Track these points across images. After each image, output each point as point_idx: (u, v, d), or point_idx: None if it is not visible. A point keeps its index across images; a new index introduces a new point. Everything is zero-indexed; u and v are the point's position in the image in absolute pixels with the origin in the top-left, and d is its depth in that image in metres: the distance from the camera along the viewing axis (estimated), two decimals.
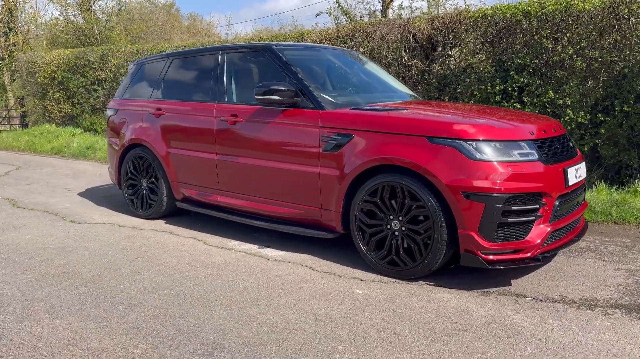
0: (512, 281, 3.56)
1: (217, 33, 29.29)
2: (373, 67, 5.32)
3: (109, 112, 5.99)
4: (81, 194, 6.96)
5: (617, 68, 6.06)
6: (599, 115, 6.19)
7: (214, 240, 4.68)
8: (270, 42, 4.84)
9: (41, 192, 7.12)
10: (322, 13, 17.41)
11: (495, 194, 3.26)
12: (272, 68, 4.51)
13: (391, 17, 11.30)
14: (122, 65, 12.94)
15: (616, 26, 6.06)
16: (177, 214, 5.54)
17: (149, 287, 3.58)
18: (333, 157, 3.89)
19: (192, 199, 5.10)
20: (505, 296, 3.32)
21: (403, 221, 3.58)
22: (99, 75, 13.53)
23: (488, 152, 3.33)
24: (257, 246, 4.49)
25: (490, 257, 3.33)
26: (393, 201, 3.62)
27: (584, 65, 6.24)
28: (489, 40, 7.05)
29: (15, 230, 5.12)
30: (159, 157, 5.21)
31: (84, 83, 13.81)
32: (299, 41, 9.39)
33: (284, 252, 4.28)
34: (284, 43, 4.79)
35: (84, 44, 21.97)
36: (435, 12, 15.81)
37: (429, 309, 3.15)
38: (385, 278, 3.66)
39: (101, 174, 8.61)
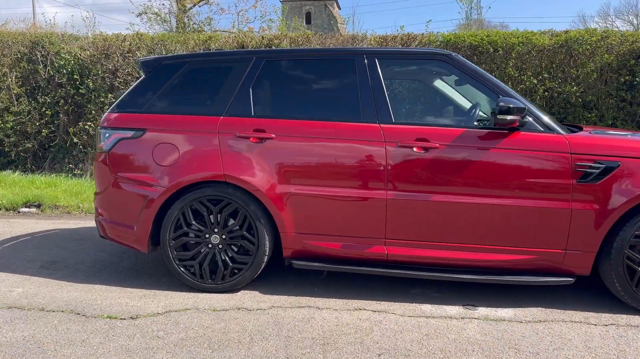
0: None
1: None
2: None
3: (116, 134, 3.75)
4: (9, 269, 4.19)
5: (572, 99, 7.01)
6: None
7: (396, 308, 3.43)
8: (443, 50, 3.87)
9: None
10: (144, 13, 14.76)
11: None
12: (457, 81, 3.63)
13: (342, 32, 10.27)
14: None
15: (568, 62, 7.02)
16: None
17: None
18: (592, 188, 3.34)
19: (321, 254, 3.63)
20: None
21: None
22: None
23: None
24: (460, 306, 3.49)
25: None
26: None
27: (546, 94, 7.01)
28: None
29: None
30: (263, 199, 3.54)
31: None
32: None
33: (512, 310, 3.43)
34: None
35: None
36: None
37: None
38: None
39: None
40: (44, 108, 8.21)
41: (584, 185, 3.34)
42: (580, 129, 3.78)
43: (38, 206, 6.84)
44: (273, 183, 3.56)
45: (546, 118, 3.51)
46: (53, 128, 8.35)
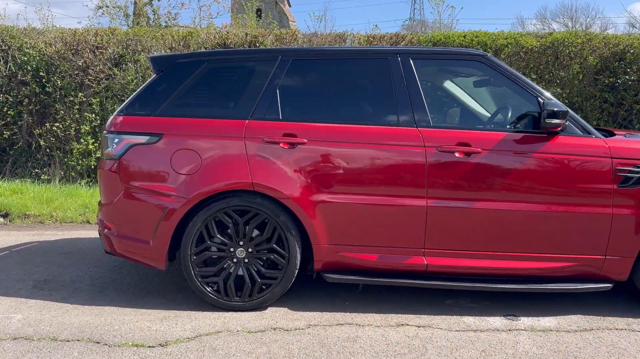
0: None
1: None
2: None
3: (128, 140, 3.38)
4: None
5: (559, 100, 7.09)
6: None
7: (439, 322, 3.27)
8: (479, 51, 3.71)
9: None
10: (105, 7, 13.76)
11: None
12: (492, 83, 3.52)
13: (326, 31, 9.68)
14: None
15: (554, 63, 7.11)
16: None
17: None
18: (632, 193, 3.30)
19: (355, 266, 3.42)
20: None
21: None
22: None
23: None
24: (502, 317, 3.38)
25: None
26: None
27: None
28: None
29: None
30: (295, 209, 3.28)
31: None
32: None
33: (555, 319, 3.33)
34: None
35: None
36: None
37: None
38: None
39: None
40: (5, 108, 7.54)
41: (624, 189, 3.30)
42: (612, 133, 3.75)
43: (5, 216, 6.25)
44: (306, 192, 3.32)
45: (584, 122, 3.46)
46: (15, 130, 7.68)
